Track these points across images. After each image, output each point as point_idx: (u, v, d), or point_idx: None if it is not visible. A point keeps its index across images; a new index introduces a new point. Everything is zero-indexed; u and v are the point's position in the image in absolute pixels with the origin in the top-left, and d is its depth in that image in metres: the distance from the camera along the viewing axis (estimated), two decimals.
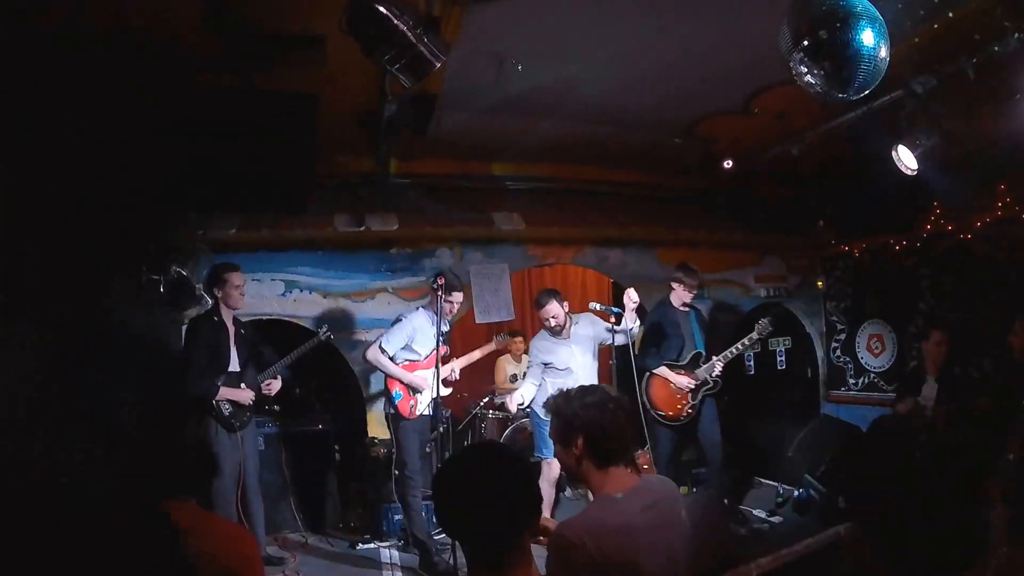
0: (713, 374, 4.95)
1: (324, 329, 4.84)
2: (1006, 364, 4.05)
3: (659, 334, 5.08)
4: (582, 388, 2.09)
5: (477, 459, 1.64)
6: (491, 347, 5.05)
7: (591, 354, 4.79)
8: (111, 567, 1.55)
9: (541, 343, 4.85)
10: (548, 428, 4.57)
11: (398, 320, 4.66)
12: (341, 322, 5.49)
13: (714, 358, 4.99)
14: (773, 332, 5.10)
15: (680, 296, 5.11)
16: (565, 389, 2.12)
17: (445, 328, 4.54)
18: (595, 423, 1.96)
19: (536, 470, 1.63)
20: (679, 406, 4.96)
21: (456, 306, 4.57)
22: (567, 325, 4.74)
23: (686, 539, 1.98)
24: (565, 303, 4.75)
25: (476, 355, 4.93)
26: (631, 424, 2.03)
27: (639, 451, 6.23)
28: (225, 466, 4.01)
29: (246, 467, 4.19)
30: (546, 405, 2.18)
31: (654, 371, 5.00)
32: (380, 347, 4.47)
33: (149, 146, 3.17)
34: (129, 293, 4.11)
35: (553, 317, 4.66)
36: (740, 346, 5.02)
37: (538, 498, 1.60)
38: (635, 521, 1.84)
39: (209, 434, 4.03)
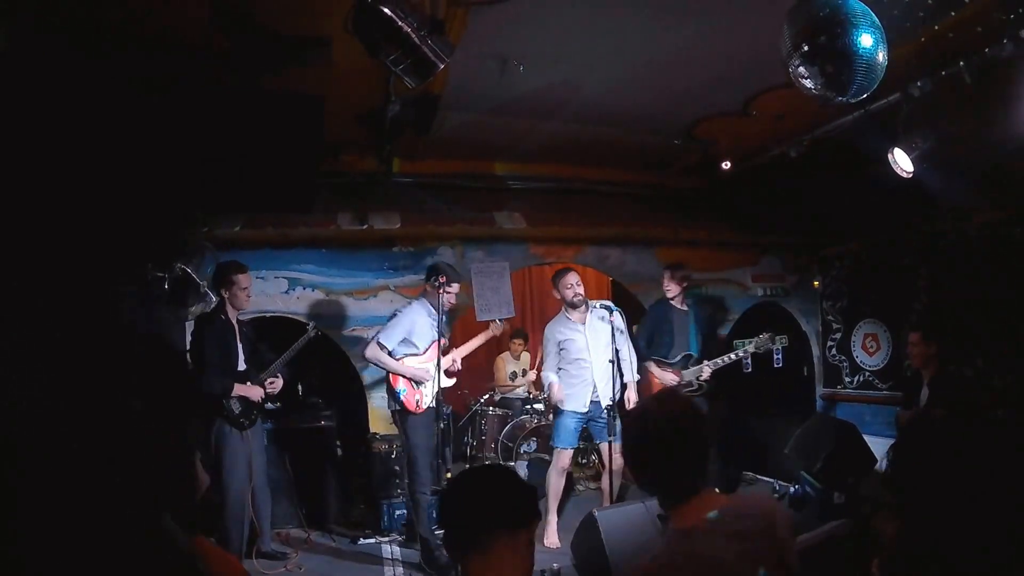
0: (700, 377, 4.97)
1: (312, 325, 4.84)
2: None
3: (653, 330, 5.15)
4: (657, 397, 1.79)
5: (478, 484, 1.65)
6: (490, 333, 4.97)
7: (607, 346, 4.65)
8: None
9: (556, 327, 4.80)
10: (564, 420, 4.64)
11: (393, 315, 4.56)
12: (343, 320, 5.53)
13: (705, 363, 5.01)
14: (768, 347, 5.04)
15: (667, 286, 5.16)
16: (639, 403, 1.99)
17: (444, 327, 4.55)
18: (656, 458, 1.64)
19: (535, 497, 1.58)
20: None
21: (454, 297, 4.51)
22: (585, 306, 4.73)
23: (789, 564, 1.63)
24: (581, 284, 4.78)
25: (476, 342, 4.81)
26: (704, 443, 1.66)
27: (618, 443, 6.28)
28: (238, 465, 4.05)
29: (254, 464, 4.21)
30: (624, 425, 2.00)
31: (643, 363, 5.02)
32: (378, 343, 4.39)
33: (156, 145, 3.21)
34: (134, 290, 4.14)
35: (576, 284, 4.69)
36: (732, 356, 5.03)
37: (533, 505, 1.60)
38: (720, 556, 1.54)
39: (220, 434, 4.06)
